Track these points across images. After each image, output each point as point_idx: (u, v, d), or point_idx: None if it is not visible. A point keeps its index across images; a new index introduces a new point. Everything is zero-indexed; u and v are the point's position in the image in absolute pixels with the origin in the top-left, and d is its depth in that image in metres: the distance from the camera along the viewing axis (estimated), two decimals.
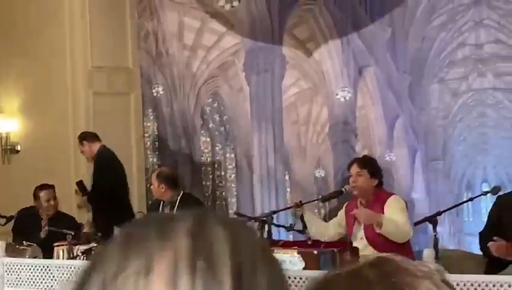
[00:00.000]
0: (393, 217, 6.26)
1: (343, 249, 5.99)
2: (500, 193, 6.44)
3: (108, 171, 8.44)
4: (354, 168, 6.50)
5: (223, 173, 10.32)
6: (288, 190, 9.65)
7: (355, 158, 6.86)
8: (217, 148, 10.41)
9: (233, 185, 10.23)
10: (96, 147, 8.43)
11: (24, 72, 9.78)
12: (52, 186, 8.06)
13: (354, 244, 6.33)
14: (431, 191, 8.64)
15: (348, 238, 6.55)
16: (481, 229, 6.44)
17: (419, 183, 8.72)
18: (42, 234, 7.74)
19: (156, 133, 10.64)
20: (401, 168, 8.77)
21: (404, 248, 6.37)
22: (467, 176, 8.45)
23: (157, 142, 10.61)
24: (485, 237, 6.34)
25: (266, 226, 6.32)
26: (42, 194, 7.96)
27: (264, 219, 6.37)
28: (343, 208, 6.79)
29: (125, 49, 9.75)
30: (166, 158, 10.39)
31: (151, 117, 10.62)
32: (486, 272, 6.08)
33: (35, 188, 8.05)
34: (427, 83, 8.71)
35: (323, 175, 9.32)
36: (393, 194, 6.62)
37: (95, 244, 6.52)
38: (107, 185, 8.30)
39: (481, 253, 6.32)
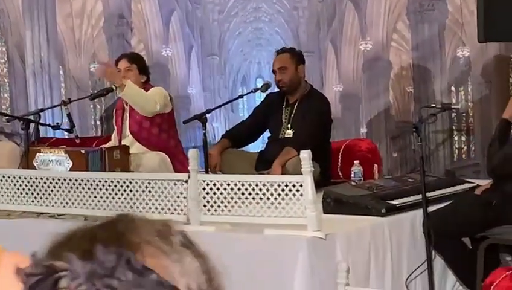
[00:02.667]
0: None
1: (113, 147, 5.86)
2: (270, 91, 6.51)
3: None
4: (123, 64, 6.38)
5: None
6: (62, 84, 9.33)
7: (123, 54, 6.71)
8: None
9: (6, 80, 9.77)
10: None
11: None
12: None
13: (123, 142, 6.23)
14: (207, 87, 8.61)
15: (117, 137, 6.44)
16: None
17: (196, 79, 8.65)
18: None
19: None
20: (178, 63, 8.65)
21: (172, 143, 6.35)
22: (242, 71, 8.46)
23: None
24: (241, 127, 6.46)
25: (33, 125, 6.07)
26: None
27: (31, 117, 6.10)
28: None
29: None
30: None
31: None
32: (257, 169, 6.17)
33: None
34: None
35: None
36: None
37: None
38: None
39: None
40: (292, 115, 6.24)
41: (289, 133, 6.23)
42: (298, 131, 6.14)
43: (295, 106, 6.25)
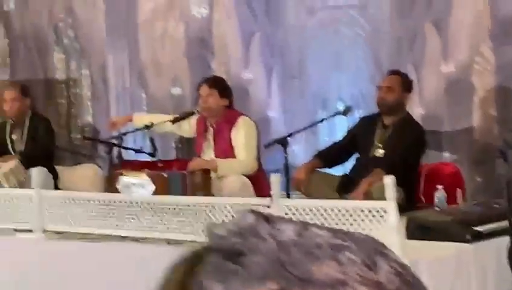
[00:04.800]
0: (237, 149, 6.22)
1: (194, 171, 5.90)
2: (365, 114, 6.53)
3: None
4: (204, 89, 6.40)
5: (78, 91, 10.01)
6: (144, 108, 9.44)
7: (205, 79, 6.74)
8: (71, 65, 10.07)
9: (88, 103, 9.95)
10: None
11: None
12: None
13: None
14: (287, 110, 8.60)
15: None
16: None
17: (276, 102, 8.66)
18: None
19: (8, 49, 10.21)
20: (258, 86, 8.67)
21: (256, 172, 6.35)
22: (322, 94, 8.43)
23: (8, 59, 10.20)
24: (334, 147, 6.46)
25: (116, 149, 6.17)
26: None
27: (114, 141, 6.20)
28: (196, 118, 6.65)
29: None
30: (18, 75, 10.00)
31: (2, 32, 10.18)
32: (339, 192, 6.14)
33: None
34: None
35: (180, 92, 9.15)
36: (243, 114, 6.52)
37: None
38: None
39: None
40: (386, 136, 6.21)
41: (380, 152, 6.18)
42: (390, 152, 6.09)
43: (390, 128, 6.21)
